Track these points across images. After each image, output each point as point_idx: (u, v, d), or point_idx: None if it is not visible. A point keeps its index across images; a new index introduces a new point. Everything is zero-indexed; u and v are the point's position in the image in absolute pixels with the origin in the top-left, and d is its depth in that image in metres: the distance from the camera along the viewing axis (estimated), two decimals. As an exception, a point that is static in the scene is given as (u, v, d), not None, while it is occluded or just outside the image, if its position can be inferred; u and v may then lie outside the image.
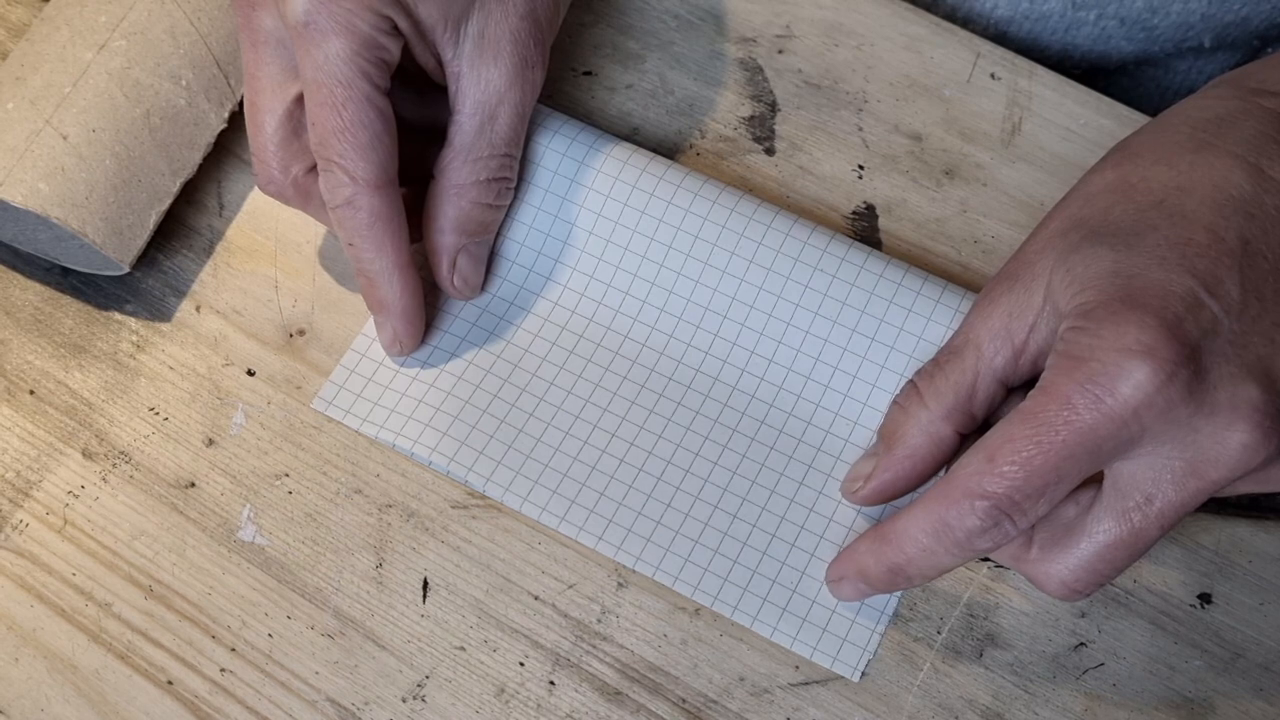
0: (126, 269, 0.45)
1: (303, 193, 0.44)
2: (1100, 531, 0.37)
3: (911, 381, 0.41)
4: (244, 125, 0.50)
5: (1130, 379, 0.35)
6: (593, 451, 0.45)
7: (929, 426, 0.40)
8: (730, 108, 0.51)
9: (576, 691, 0.42)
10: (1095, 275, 0.37)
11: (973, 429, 0.41)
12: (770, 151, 0.50)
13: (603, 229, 0.47)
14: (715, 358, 0.46)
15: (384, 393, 0.46)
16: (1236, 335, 0.36)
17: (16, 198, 0.43)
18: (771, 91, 0.51)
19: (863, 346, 0.45)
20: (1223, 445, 0.35)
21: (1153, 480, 0.36)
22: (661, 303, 0.46)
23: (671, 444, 0.45)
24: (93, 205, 0.44)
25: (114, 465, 0.45)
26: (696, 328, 0.46)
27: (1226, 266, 0.36)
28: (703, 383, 0.46)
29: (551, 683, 0.42)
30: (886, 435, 0.41)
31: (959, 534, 0.37)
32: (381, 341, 0.46)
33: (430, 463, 0.44)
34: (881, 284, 0.45)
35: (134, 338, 0.47)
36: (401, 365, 0.46)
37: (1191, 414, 0.35)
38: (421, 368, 0.46)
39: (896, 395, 0.42)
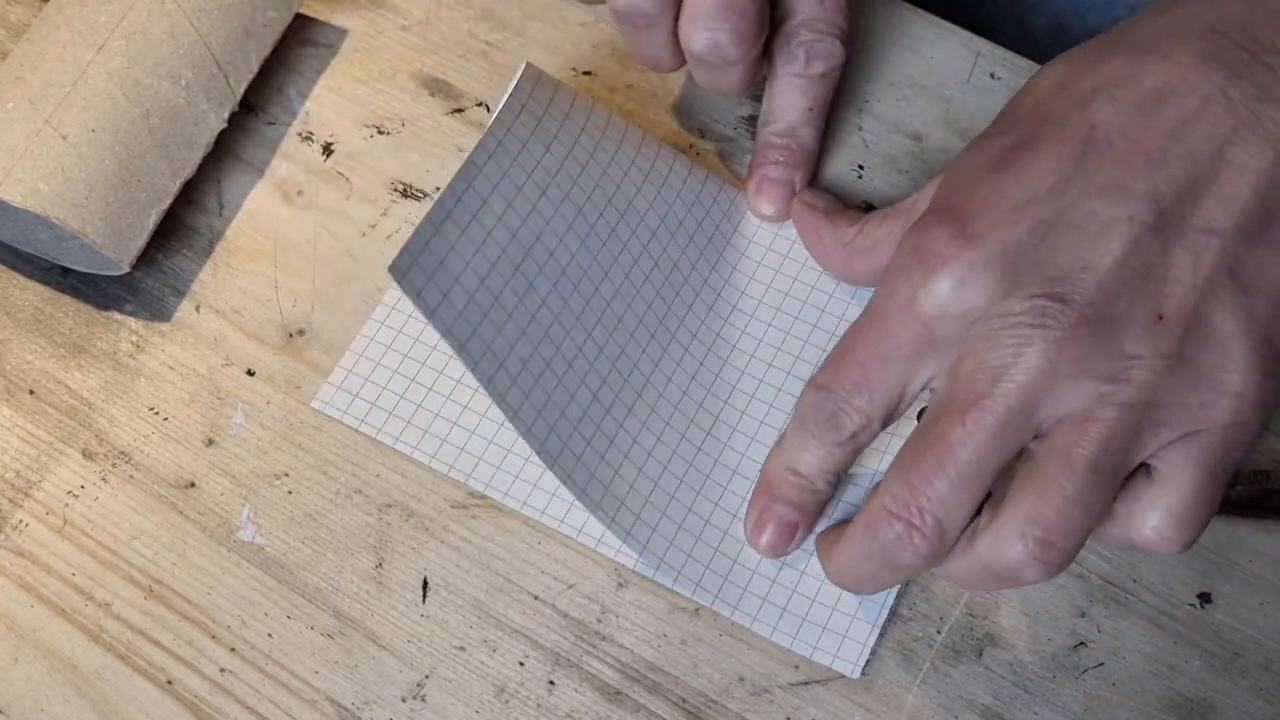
0: (126, 269, 0.45)
1: None
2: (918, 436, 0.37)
3: (868, 209, 0.45)
4: (244, 125, 0.50)
5: (921, 261, 0.36)
6: (592, 453, 0.44)
7: None
8: (730, 107, 0.51)
9: (576, 691, 0.42)
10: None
11: (859, 278, 0.45)
12: (770, 151, 0.50)
13: (601, 231, 0.47)
14: (717, 356, 0.46)
15: (382, 393, 0.46)
16: (1034, 249, 0.36)
17: (16, 197, 0.43)
18: (771, 91, 0.51)
19: None
20: (1002, 343, 0.35)
21: (950, 383, 0.37)
22: (666, 307, 0.46)
23: (668, 448, 0.45)
24: (92, 205, 0.44)
25: (114, 465, 0.45)
26: (696, 329, 0.46)
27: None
28: (705, 377, 0.46)
29: (551, 682, 0.42)
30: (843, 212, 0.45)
31: (823, 432, 0.39)
32: (775, 197, 0.47)
33: (430, 465, 0.45)
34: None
35: (134, 338, 0.47)
36: (398, 366, 0.46)
37: (981, 308, 0.36)
38: (421, 368, 0.46)
39: None
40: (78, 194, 0.44)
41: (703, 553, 0.43)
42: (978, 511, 0.37)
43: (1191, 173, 0.35)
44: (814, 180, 0.49)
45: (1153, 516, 0.36)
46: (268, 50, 0.49)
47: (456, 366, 0.46)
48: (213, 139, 0.48)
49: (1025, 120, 0.38)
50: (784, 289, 0.47)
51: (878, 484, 0.38)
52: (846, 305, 0.46)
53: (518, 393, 0.41)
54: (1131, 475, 0.36)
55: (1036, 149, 0.37)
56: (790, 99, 0.47)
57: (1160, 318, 0.34)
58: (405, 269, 0.38)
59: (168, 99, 0.46)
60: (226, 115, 0.48)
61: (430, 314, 0.39)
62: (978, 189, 0.37)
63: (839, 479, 0.42)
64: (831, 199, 0.47)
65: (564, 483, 0.42)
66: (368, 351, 0.46)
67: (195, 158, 0.48)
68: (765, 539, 0.42)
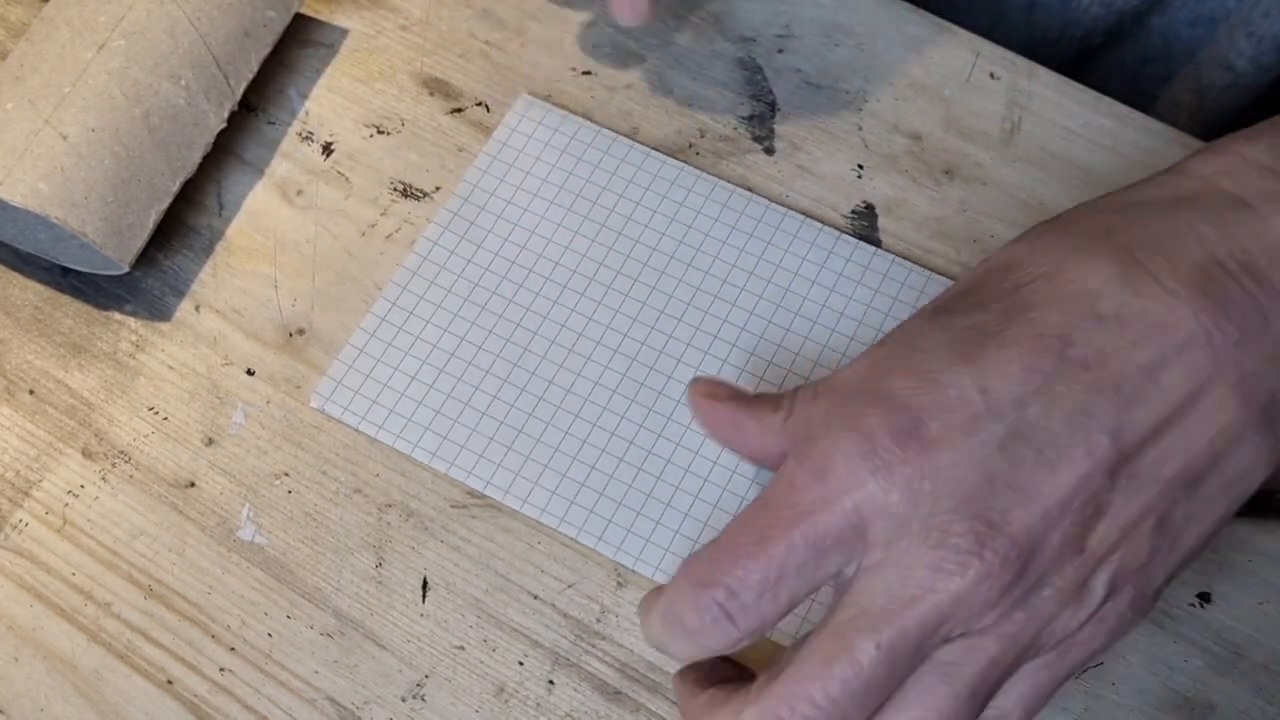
0: (126, 268, 0.45)
1: None
2: (804, 650, 0.34)
3: (793, 389, 0.39)
4: (244, 125, 0.50)
5: (850, 450, 0.33)
6: (591, 450, 0.45)
7: None
8: (730, 107, 0.51)
9: (576, 691, 0.42)
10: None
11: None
12: (770, 151, 0.50)
13: (602, 236, 0.48)
14: (715, 358, 0.46)
15: (383, 390, 0.46)
16: (987, 466, 0.33)
17: (16, 197, 0.43)
18: (771, 91, 0.51)
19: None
20: (928, 563, 0.33)
21: (867, 591, 0.33)
22: (662, 305, 0.47)
23: (671, 442, 0.45)
24: (92, 205, 0.44)
25: (113, 465, 0.45)
26: (696, 330, 0.46)
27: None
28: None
29: (551, 682, 0.42)
30: (758, 397, 0.39)
31: (685, 624, 0.34)
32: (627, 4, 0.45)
33: (430, 464, 0.45)
34: (886, 283, 0.46)
35: (133, 337, 0.47)
36: (399, 364, 0.46)
37: (906, 515, 0.33)
38: (421, 365, 0.46)
39: None
40: (78, 194, 0.44)
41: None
42: None
43: (1159, 415, 0.33)
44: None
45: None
46: (267, 50, 0.49)
47: (457, 364, 0.46)
48: (212, 139, 0.48)
49: (996, 302, 0.35)
50: (781, 290, 0.47)
51: (770, 682, 0.34)
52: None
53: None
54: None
55: (1005, 348, 0.34)
56: None
57: (1082, 550, 0.33)
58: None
59: (168, 99, 0.46)
60: (226, 115, 0.48)
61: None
62: (935, 381, 0.34)
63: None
64: (728, 383, 0.39)
65: (563, 481, 0.42)
66: (367, 347, 0.46)
67: (195, 157, 0.48)
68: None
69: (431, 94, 0.51)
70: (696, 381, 0.39)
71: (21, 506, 0.44)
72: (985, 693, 0.34)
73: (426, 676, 0.42)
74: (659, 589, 0.35)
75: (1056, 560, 0.33)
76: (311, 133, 0.50)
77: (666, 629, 0.34)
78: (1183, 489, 0.33)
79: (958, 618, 0.33)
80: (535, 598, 0.43)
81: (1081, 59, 0.62)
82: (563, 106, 0.51)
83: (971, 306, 0.35)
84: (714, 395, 0.38)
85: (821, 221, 0.48)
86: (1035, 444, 0.33)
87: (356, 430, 0.45)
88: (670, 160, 0.49)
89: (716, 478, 0.44)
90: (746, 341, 0.46)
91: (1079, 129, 0.50)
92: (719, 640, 0.34)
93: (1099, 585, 0.33)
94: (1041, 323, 0.34)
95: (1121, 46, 0.61)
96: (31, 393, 0.46)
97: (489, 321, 0.47)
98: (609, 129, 0.50)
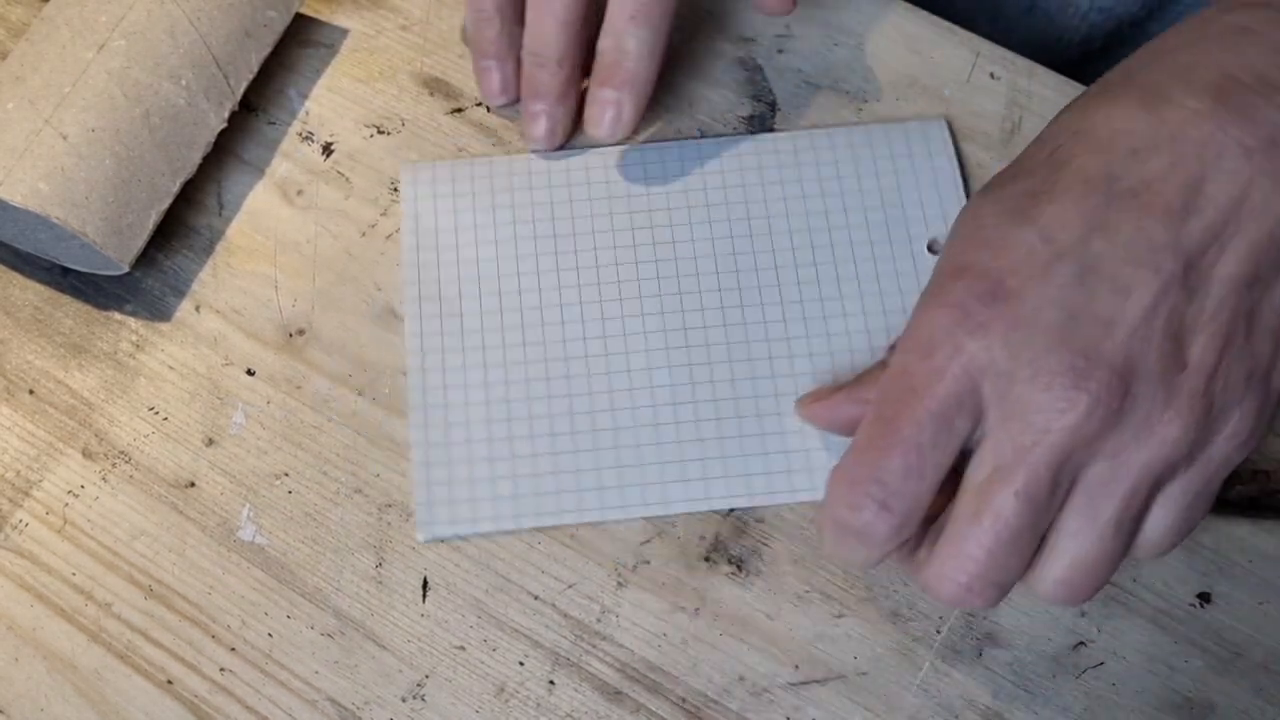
0: (126, 268, 0.45)
1: None
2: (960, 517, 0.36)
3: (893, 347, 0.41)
4: (244, 125, 0.50)
5: (945, 323, 0.36)
6: (633, 430, 0.45)
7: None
8: (730, 107, 0.51)
9: (576, 691, 0.42)
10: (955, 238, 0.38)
11: None
12: (770, 151, 0.50)
13: (561, 253, 0.48)
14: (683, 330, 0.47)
15: (471, 486, 0.45)
16: (1069, 303, 0.36)
17: (16, 197, 0.43)
18: (771, 91, 0.51)
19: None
20: (1040, 406, 0.35)
21: (994, 446, 0.36)
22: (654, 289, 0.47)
23: (667, 388, 0.46)
24: (92, 205, 0.44)
25: (114, 465, 0.45)
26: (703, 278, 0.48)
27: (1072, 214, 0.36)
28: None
29: (551, 682, 0.42)
30: (858, 379, 0.42)
31: (849, 525, 0.37)
32: (598, 118, 0.47)
33: (544, 525, 0.44)
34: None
35: (134, 337, 0.47)
36: (467, 457, 0.45)
37: (1010, 367, 0.35)
38: (475, 444, 0.45)
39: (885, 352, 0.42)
40: (78, 194, 0.44)
41: (732, 464, 0.45)
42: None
43: (1214, 223, 0.35)
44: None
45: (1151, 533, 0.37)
46: (268, 50, 0.49)
47: (502, 426, 0.45)
48: (213, 139, 0.48)
49: (1040, 167, 0.38)
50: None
51: (930, 551, 0.37)
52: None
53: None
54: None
55: (1057, 199, 0.36)
56: (614, 7, 0.46)
57: (1184, 368, 0.35)
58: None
59: (168, 99, 0.46)
60: (226, 115, 0.48)
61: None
62: (1001, 244, 0.36)
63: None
64: (831, 390, 0.43)
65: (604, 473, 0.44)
66: (431, 458, 0.45)
67: (195, 157, 0.48)
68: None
69: (431, 94, 0.51)
70: (799, 405, 0.44)
71: (22, 507, 0.44)
72: (1129, 522, 0.36)
73: (427, 677, 0.42)
74: (820, 506, 0.38)
75: (1161, 378, 0.35)
76: (312, 133, 0.50)
77: (837, 538, 0.37)
78: (1260, 286, 0.36)
79: (1080, 450, 0.35)
80: (535, 598, 0.43)
81: (1083, 61, 0.62)
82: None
83: (1016, 177, 0.38)
84: (818, 397, 0.43)
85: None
86: (1106, 274, 0.35)
87: (470, 539, 0.44)
88: (570, 152, 0.50)
89: (712, 394, 0.46)
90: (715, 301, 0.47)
91: (1079, 129, 0.50)
92: (882, 530, 0.36)
93: (1216, 398, 0.35)
94: (1083, 170, 0.36)
95: (1121, 51, 0.61)
96: (31, 393, 0.46)
97: (501, 375, 0.46)
98: (499, 155, 0.50)
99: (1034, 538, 0.36)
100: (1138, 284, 0.35)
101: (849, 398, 0.41)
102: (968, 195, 0.49)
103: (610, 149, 0.49)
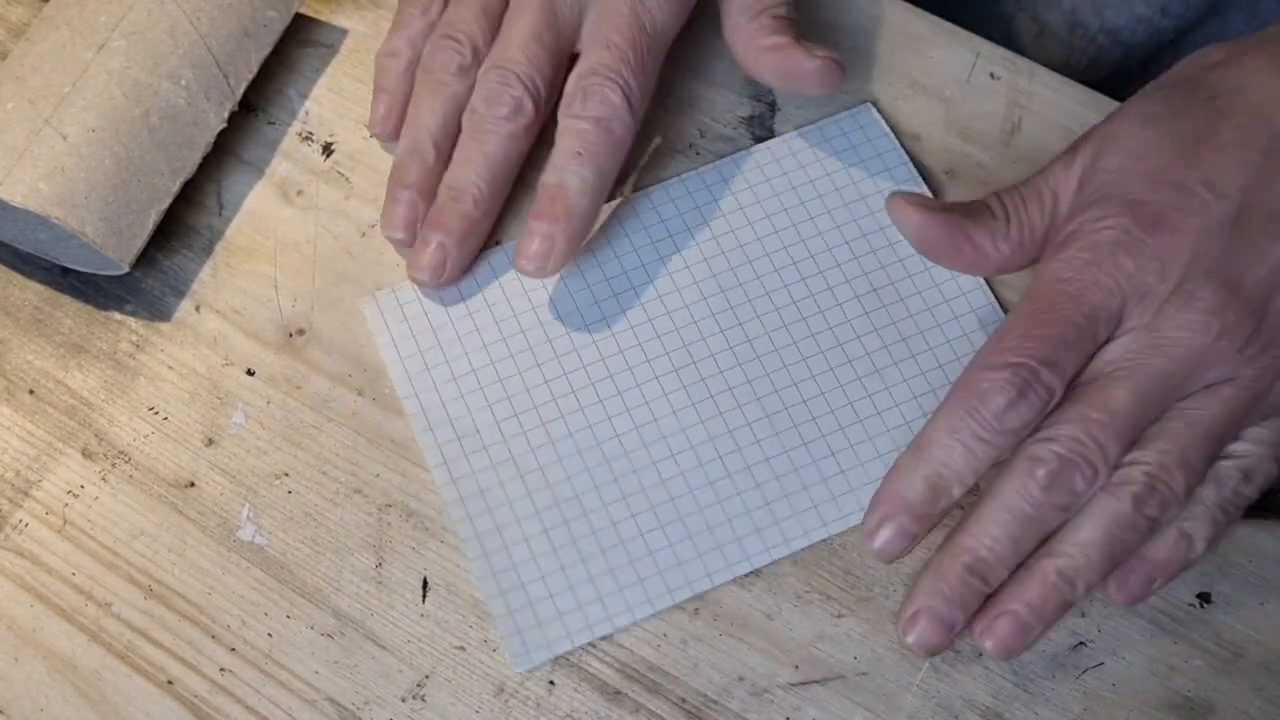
0: (126, 269, 0.45)
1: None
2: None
3: (995, 194, 0.43)
4: (244, 125, 0.50)
5: (1107, 241, 0.40)
6: (689, 496, 0.44)
7: (995, 231, 0.43)
8: (730, 107, 0.51)
9: (576, 691, 0.42)
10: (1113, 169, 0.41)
11: (1011, 269, 0.44)
12: (770, 151, 0.50)
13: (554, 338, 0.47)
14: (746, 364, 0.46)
15: (554, 601, 0.43)
16: (1222, 240, 0.40)
17: (16, 197, 0.43)
18: (771, 91, 0.51)
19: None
20: (1177, 324, 0.39)
21: (1123, 350, 0.40)
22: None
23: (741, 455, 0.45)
24: (92, 205, 0.44)
25: (113, 465, 0.45)
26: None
27: (1234, 164, 0.40)
28: (742, 370, 0.46)
29: (551, 682, 0.42)
30: (962, 208, 0.44)
31: (987, 413, 0.39)
32: (527, 249, 0.45)
33: (631, 625, 0.43)
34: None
35: (133, 337, 0.47)
36: (528, 576, 0.43)
37: (1159, 289, 0.40)
38: (538, 553, 0.44)
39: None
40: (78, 194, 0.44)
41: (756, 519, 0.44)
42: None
43: None
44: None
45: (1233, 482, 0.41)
46: (268, 50, 0.49)
47: (561, 534, 0.44)
48: (212, 139, 0.48)
49: (1200, 110, 0.41)
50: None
51: (1047, 428, 0.40)
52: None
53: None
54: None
55: (1220, 150, 0.40)
56: (562, 142, 0.45)
57: None
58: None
59: (168, 99, 0.46)
60: (226, 115, 0.48)
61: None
62: (1163, 180, 0.40)
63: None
64: (934, 199, 0.45)
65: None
66: (503, 586, 0.43)
67: (195, 158, 0.48)
68: (880, 542, 0.41)
69: (431, 94, 0.51)
70: (897, 196, 0.44)
71: (21, 507, 0.44)
72: (1220, 435, 0.40)
73: (427, 677, 0.42)
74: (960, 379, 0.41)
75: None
76: (312, 133, 0.50)
77: (963, 403, 0.40)
78: None
79: (1200, 371, 0.39)
80: (535, 598, 0.43)
81: (1093, 86, 0.62)
82: None
83: (1178, 114, 0.42)
84: (928, 207, 0.43)
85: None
86: (1260, 219, 0.40)
87: (570, 651, 0.42)
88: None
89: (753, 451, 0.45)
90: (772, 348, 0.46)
91: (1079, 129, 0.50)
92: (1016, 418, 0.39)
93: None
94: (1246, 126, 0.41)
95: (1129, 86, 0.61)
96: (31, 393, 0.46)
97: (540, 480, 0.44)
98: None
99: (1134, 434, 0.39)
100: (1274, 235, 0.39)
101: (959, 218, 0.43)
102: (921, 175, 0.49)
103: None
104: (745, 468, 0.44)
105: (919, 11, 0.52)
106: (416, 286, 0.47)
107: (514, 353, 0.46)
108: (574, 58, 0.47)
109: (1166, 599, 0.43)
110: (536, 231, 0.45)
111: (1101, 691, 0.42)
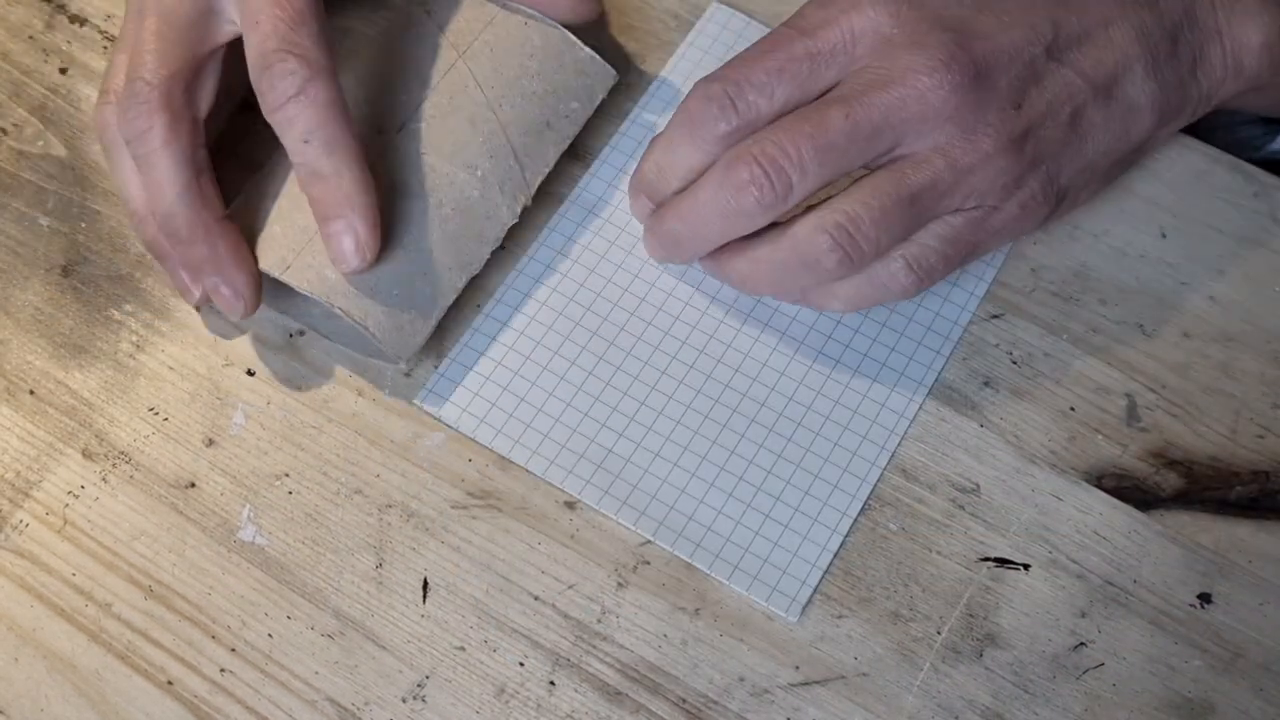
0: (403, 366, 0.46)
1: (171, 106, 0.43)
2: None
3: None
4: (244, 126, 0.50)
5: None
6: (692, 458, 0.45)
7: None
8: (730, 108, 0.51)
9: (576, 691, 0.42)
10: None
11: None
12: (770, 152, 0.50)
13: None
14: (828, 357, 0.47)
15: (484, 386, 0.45)
16: (970, 7, 0.42)
17: (304, 284, 0.43)
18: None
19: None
20: (903, 63, 0.41)
21: (849, 81, 0.41)
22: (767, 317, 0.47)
23: (773, 454, 0.45)
24: (378, 296, 0.43)
25: (114, 465, 0.45)
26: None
27: None
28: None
29: (551, 683, 0.42)
30: None
31: (690, 111, 0.42)
32: (339, 253, 0.42)
33: (527, 466, 0.45)
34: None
35: (134, 338, 0.47)
36: (502, 359, 0.46)
37: (895, 36, 0.41)
38: (524, 362, 0.46)
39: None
40: (365, 284, 0.43)
41: (649, 484, 0.44)
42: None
43: (1084, 26, 0.43)
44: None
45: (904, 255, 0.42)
46: (566, 144, 0.47)
47: (560, 363, 0.46)
48: (503, 234, 0.46)
49: None
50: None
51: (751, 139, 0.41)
52: None
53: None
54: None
55: None
56: (285, 139, 0.42)
57: (1019, 107, 0.42)
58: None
59: (462, 189, 0.45)
60: (520, 210, 0.46)
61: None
62: None
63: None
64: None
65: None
66: (473, 343, 0.46)
67: (484, 253, 0.45)
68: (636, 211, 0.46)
69: (432, 94, 0.51)
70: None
71: (22, 507, 0.44)
72: (919, 206, 0.41)
73: (427, 677, 0.42)
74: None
75: (999, 101, 0.41)
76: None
77: (679, 122, 0.42)
78: (1093, 91, 0.43)
79: (916, 118, 0.41)
80: (536, 598, 0.43)
81: None
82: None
83: None
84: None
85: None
86: (998, 10, 0.42)
87: (454, 429, 0.45)
88: None
89: (817, 490, 0.44)
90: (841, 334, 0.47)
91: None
92: (714, 127, 0.42)
93: (1028, 151, 0.42)
94: None
95: None
96: (32, 393, 0.46)
97: (593, 322, 0.47)
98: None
99: (839, 164, 0.41)
100: (1018, 26, 0.42)
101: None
102: None
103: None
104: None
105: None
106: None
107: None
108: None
109: (1167, 599, 0.43)
110: (333, 232, 0.42)
111: (1101, 692, 0.42)
